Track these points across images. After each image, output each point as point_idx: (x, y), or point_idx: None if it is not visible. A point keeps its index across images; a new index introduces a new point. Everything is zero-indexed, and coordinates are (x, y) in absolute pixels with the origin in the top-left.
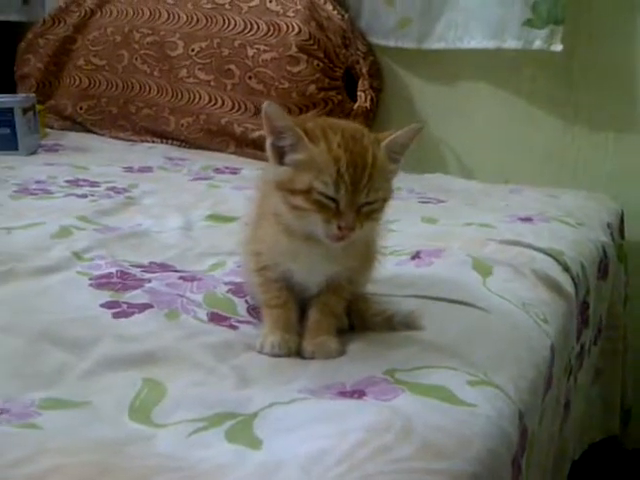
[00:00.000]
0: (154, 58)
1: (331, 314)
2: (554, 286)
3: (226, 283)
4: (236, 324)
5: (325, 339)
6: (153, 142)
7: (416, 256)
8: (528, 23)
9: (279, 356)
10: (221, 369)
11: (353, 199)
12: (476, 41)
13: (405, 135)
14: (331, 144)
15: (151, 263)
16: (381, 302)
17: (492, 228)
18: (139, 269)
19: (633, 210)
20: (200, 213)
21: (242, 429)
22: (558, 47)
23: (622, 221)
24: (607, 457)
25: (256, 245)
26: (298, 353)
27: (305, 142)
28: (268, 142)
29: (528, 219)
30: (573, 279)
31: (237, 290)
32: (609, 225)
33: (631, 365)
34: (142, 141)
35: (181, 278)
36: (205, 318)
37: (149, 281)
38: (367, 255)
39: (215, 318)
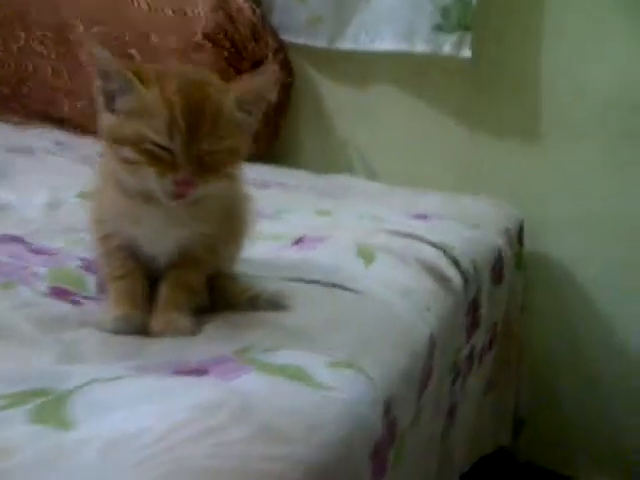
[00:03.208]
0: (51, 40)
1: (186, 289)
2: (439, 277)
3: (81, 259)
4: (81, 300)
5: (176, 316)
6: (46, 127)
7: (299, 241)
8: (438, 28)
9: (122, 333)
10: (45, 342)
11: (190, 148)
12: (386, 43)
13: (257, 82)
14: (165, 88)
15: (3, 235)
16: (250, 283)
17: (385, 222)
18: None
19: (534, 221)
20: (72, 191)
21: (53, 408)
22: (466, 53)
23: (522, 229)
24: (498, 469)
25: (99, 212)
26: (145, 331)
27: (136, 85)
28: (97, 85)
29: (423, 216)
30: (462, 273)
31: (91, 267)
32: (507, 230)
33: (526, 376)
34: (35, 126)
35: (31, 251)
36: (45, 291)
37: None
38: (230, 224)
39: (57, 292)
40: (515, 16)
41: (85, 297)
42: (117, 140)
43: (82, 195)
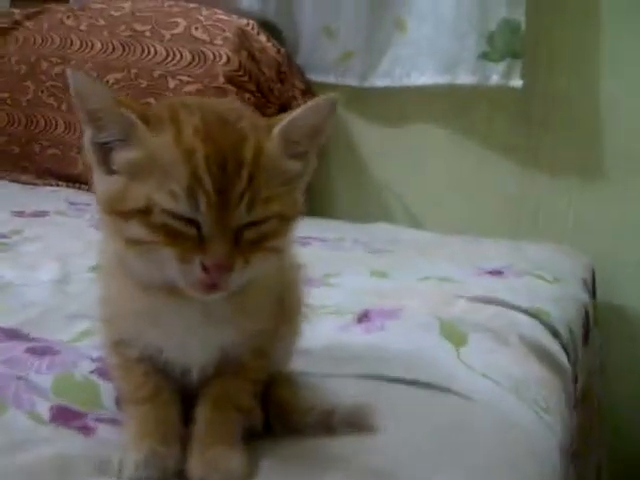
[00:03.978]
0: (62, 90)
1: (232, 409)
2: (548, 358)
3: (94, 359)
4: (93, 424)
5: (222, 452)
6: (58, 185)
7: (364, 317)
8: (484, 56)
9: None
10: None
11: (223, 218)
12: (426, 77)
13: (312, 114)
14: (183, 130)
15: None
16: (314, 387)
17: (457, 283)
18: None
19: (600, 268)
20: (84, 263)
21: None
22: (517, 82)
23: (594, 279)
24: None
25: (107, 308)
26: (181, 476)
27: (140, 131)
28: (87, 137)
29: (498, 272)
30: (563, 346)
31: (106, 371)
32: (585, 281)
33: (607, 444)
34: (45, 184)
35: (29, 351)
36: (46, 415)
37: None
38: (283, 310)
39: (61, 415)
40: (568, 42)
41: (98, 419)
42: (119, 212)
43: (95, 269)
